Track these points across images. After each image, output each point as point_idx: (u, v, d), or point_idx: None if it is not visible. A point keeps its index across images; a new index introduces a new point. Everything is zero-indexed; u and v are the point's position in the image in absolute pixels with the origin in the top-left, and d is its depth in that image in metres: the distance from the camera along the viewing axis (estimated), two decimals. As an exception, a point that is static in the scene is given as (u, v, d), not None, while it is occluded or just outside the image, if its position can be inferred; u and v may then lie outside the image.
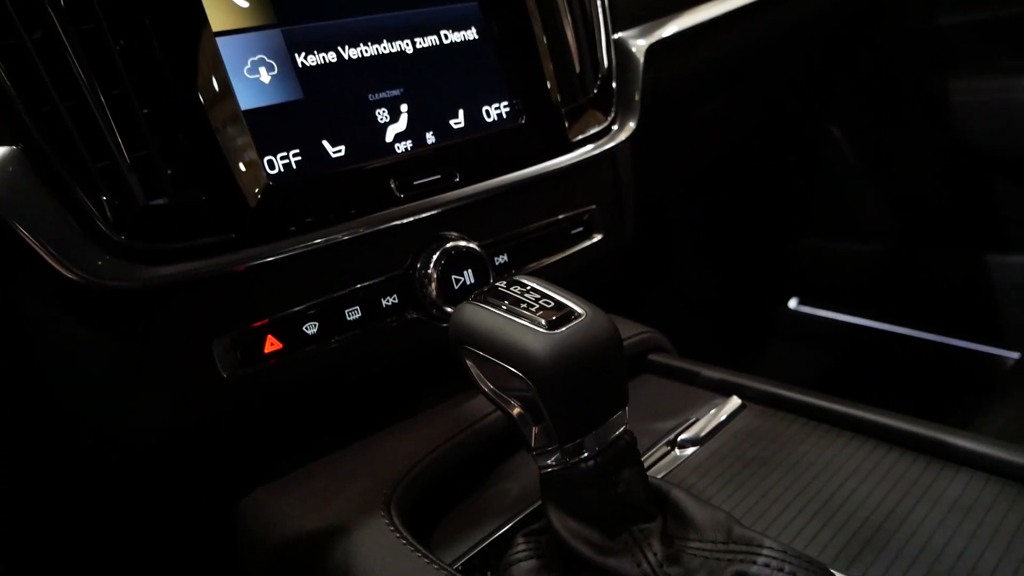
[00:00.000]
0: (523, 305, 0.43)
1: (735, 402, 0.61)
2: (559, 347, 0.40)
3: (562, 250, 0.66)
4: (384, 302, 0.56)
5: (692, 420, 0.59)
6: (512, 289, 0.45)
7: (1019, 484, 0.49)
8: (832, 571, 0.41)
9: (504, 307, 0.43)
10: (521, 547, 0.46)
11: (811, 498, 0.50)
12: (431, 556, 0.45)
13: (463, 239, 0.58)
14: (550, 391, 0.40)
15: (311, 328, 0.54)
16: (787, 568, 0.40)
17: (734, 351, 1.70)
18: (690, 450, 0.57)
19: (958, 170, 1.38)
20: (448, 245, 0.57)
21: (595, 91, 0.68)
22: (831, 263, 1.60)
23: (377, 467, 0.53)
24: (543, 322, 0.41)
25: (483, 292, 0.45)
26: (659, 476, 0.53)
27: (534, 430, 0.43)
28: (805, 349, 1.63)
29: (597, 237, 0.68)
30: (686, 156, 1.26)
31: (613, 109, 0.69)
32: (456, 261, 0.57)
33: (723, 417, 0.59)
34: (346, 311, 0.55)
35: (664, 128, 1.04)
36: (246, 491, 0.55)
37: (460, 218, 0.59)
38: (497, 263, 0.62)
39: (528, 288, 0.45)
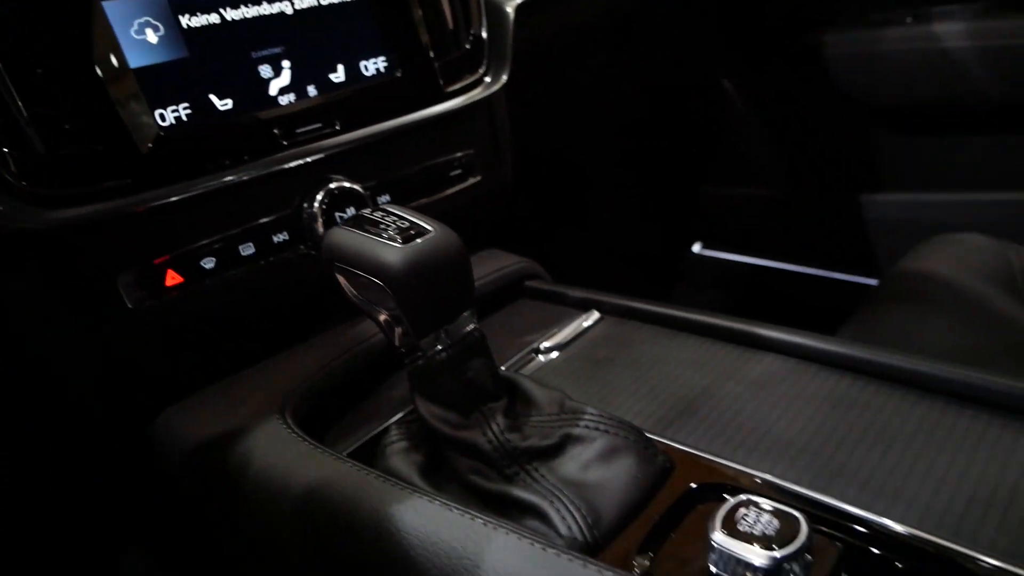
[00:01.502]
0: (382, 227, 0.51)
1: (594, 315, 0.70)
2: (409, 257, 0.48)
3: (442, 190, 0.74)
4: (275, 239, 0.63)
5: (555, 331, 0.68)
6: (375, 215, 0.52)
7: (815, 364, 0.59)
8: (644, 431, 0.51)
9: (366, 229, 0.51)
10: (394, 434, 0.54)
11: (642, 383, 0.59)
12: (321, 446, 0.53)
13: (347, 181, 0.66)
14: (404, 294, 0.48)
15: (208, 263, 0.60)
16: (602, 427, 0.49)
17: (643, 293, 1.81)
18: (552, 355, 0.65)
19: (837, 118, 1.49)
20: (332, 186, 0.65)
21: (467, 46, 0.75)
22: (730, 209, 1.72)
23: (275, 383, 0.61)
24: (398, 239, 0.49)
25: (350, 219, 0.53)
26: (523, 377, 0.62)
27: (397, 331, 0.50)
28: (708, 289, 1.75)
29: (475, 178, 0.76)
30: (581, 107, 1.34)
31: (485, 63, 0.76)
32: (339, 200, 0.65)
33: (582, 327, 0.68)
34: (240, 247, 0.62)
35: (550, 79, 1.12)
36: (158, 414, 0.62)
37: (343, 163, 0.66)
38: (381, 202, 0.69)
39: (388, 214, 0.52)
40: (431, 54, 0.71)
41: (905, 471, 0.47)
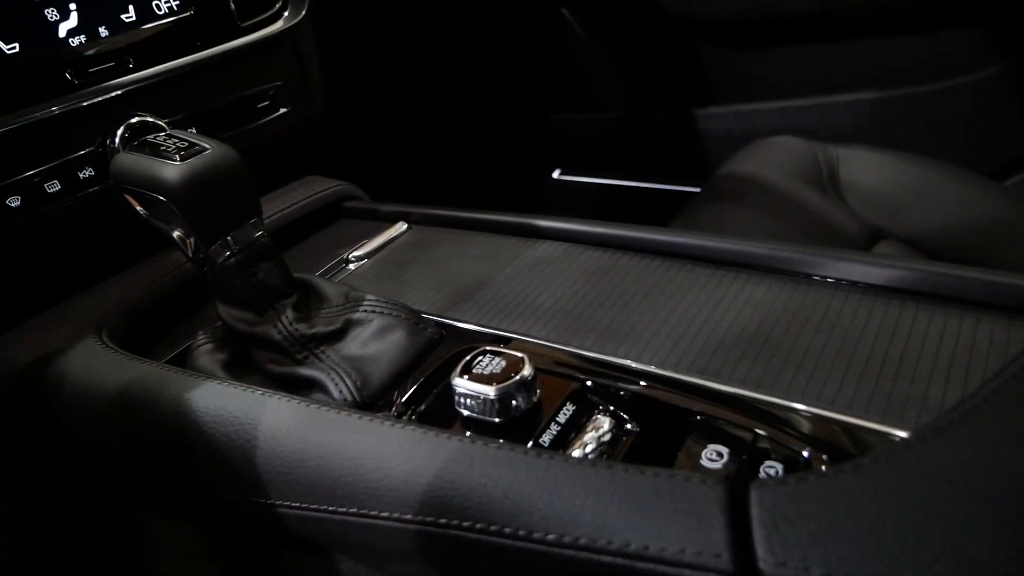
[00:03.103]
0: (162, 149, 0.55)
1: (403, 226, 0.77)
2: (185, 172, 0.52)
3: (250, 122, 0.78)
4: (81, 175, 0.67)
5: (365, 243, 0.74)
6: (158, 139, 0.57)
7: (582, 245, 0.67)
8: (419, 312, 0.58)
9: (148, 152, 0.55)
10: (201, 338, 0.59)
11: (434, 277, 0.66)
12: (132, 355, 0.58)
13: (149, 117, 0.69)
14: (184, 207, 0.53)
15: (14, 201, 0.63)
16: (378, 310, 0.56)
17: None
18: (362, 263, 0.72)
19: (669, 38, 1.58)
20: (133, 121, 0.68)
21: (263, -19, 0.79)
22: (582, 134, 1.80)
23: (94, 308, 0.65)
24: (177, 157, 0.54)
25: (135, 145, 0.57)
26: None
27: (189, 243, 0.56)
28: (568, 213, 1.84)
29: (284, 110, 0.81)
30: (411, 38, 1.39)
31: (281, -2, 0.80)
32: (141, 134, 0.68)
33: (389, 237, 0.75)
34: (46, 185, 0.65)
35: (372, 8, 1.16)
36: None
37: (144, 99, 0.69)
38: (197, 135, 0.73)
39: (171, 137, 0.57)
40: (225, -9, 0.75)
41: (646, 322, 0.56)
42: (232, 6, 0.75)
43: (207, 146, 0.55)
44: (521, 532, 0.37)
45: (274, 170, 0.85)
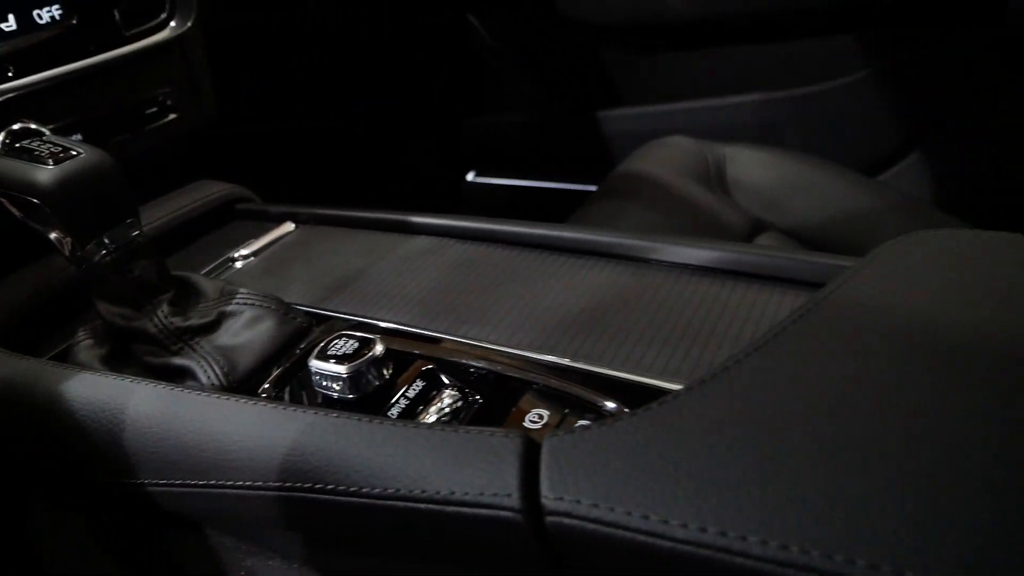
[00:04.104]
0: (36, 153, 0.58)
1: (289, 226, 0.80)
2: (56, 175, 0.55)
3: (139, 128, 0.80)
4: (-38, 181, 0.68)
5: (252, 243, 0.78)
6: (32, 145, 0.59)
7: (452, 238, 0.72)
8: (292, 304, 0.62)
9: (22, 157, 0.58)
10: (81, 334, 0.62)
11: (313, 273, 0.70)
12: (11, 352, 0.60)
13: (32, 124, 0.71)
14: (57, 209, 0.56)
15: None
16: (249, 301, 0.60)
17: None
18: (247, 262, 0.75)
19: (573, 43, 1.65)
20: (15, 127, 0.70)
21: (149, -8, 0.82)
22: (495, 136, 1.86)
23: None
24: (50, 161, 0.56)
25: (9, 151, 0.59)
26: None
27: (65, 243, 0.58)
28: (482, 214, 1.89)
29: (173, 116, 0.83)
30: (316, 46, 1.42)
31: (168, 6, 0.82)
32: (21, 140, 0.70)
33: (276, 236, 0.78)
34: (-76, 192, 0.66)
35: (275, 16, 1.19)
36: None
37: (26, 106, 0.71)
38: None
39: (45, 143, 0.59)
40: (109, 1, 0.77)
41: (497, 306, 0.61)
42: (116, 16, 0.78)
43: (81, 151, 0.58)
44: (352, 488, 0.41)
45: (166, 175, 0.87)
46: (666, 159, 1.30)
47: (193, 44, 0.86)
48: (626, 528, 0.34)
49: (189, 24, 0.83)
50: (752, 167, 1.31)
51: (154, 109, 0.82)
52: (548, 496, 0.36)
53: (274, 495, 0.45)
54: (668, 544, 0.33)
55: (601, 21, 1.55)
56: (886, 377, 0.38)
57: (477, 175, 1.92)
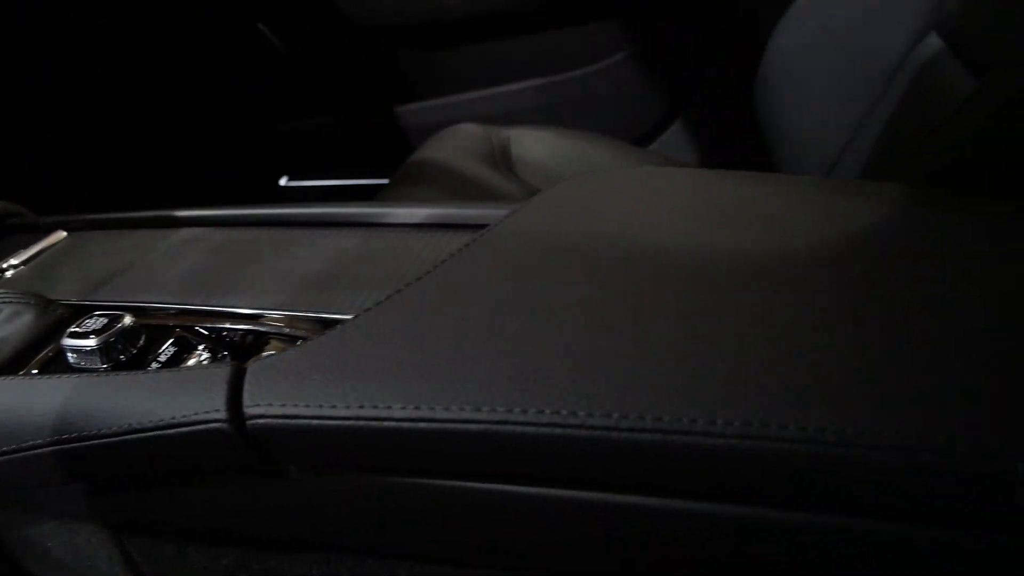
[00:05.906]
0: None
1: (60, 234, 0.84)
2: None
3: None
4: None
5: (21, 252, 0.80)
6: None
7: (226, 227, 0.79)
8: (55, 300, 0.66)
9: None
10: None
11: (83, 272, 0.74)
12: None
13: None
14: None
15: None
16: (9, 299, 0.64)
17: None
18: (17, 271, 0.78)
19: (360, 42, 1.73)
20: None
21: None
22: (303, 140, 1.91)
23: None
24: None
25: None
26: None
27: None
28: (299, 216, 1.94)
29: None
30: (90, 62, 1.42)
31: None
32: None
33: (46, 245, 0.82)
34: None
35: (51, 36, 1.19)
36: None
37: None
38: None
39: None
40: None
41: (251, 278, 0.68)
42: None
43: None
44: (95, 432, 0.48)
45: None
46: (454, 145, 1.41)
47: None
48: (306, 417, 0.43)
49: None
50: (533, 146, 1.44)
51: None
52: (249, 406, 0.44)
53: (32, 454, 0.51)
54: (334, 424, 0.42)
55: (386, 22, 1.64)
56: (540, 285, 0.49)
57: (290, 179, 1.96)
